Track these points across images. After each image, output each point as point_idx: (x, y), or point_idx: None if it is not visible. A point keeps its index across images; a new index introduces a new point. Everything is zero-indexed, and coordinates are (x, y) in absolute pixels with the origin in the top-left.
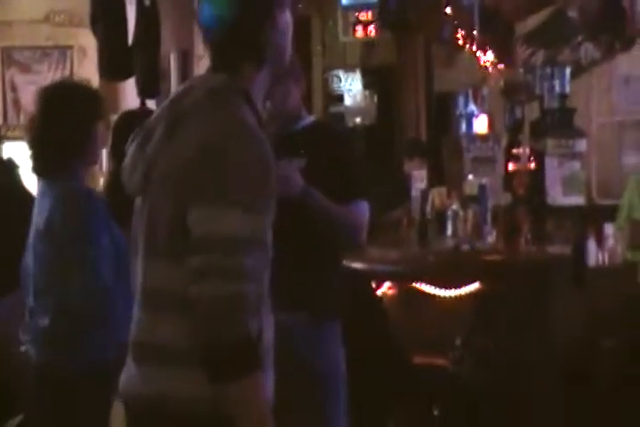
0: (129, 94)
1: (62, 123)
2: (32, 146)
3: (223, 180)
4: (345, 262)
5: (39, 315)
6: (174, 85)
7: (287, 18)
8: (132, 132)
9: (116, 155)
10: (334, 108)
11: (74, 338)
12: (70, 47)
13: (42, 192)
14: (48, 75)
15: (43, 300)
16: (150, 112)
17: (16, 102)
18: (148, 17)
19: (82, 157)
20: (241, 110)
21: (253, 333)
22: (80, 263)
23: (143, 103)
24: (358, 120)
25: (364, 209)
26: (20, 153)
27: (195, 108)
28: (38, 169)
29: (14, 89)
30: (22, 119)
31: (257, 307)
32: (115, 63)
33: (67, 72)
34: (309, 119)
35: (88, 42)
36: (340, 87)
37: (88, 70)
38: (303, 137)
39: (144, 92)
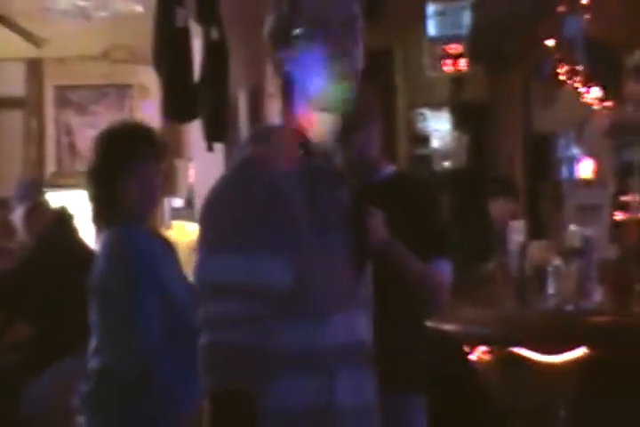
0: (194, 138)
1: (117, 169)
2: (88, 194)
3: (213, 224)
4: (433, 324)
5: (84, 380)
6: (244, 127)
7: None
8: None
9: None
10: (420, 151)
11: (112, 408)
12: (130, 86)
13: (97, 243)
14: (106, 116)
15: (90, 364)
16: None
17: (72, 147)
18: (215, 52)
19: (135, 205)
20: (264, 148)
21: (232, 386)
22: (118, 323)
23: (210, 147)
24: (446, 164)
25: (446, 268)
26: (76, 202)
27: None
28: (92, 217)
29: (69, 132)
30: (78, 165)
31: (252, 356)
32: (179, 103)
33: (126, 113)
34: (389, 169)
35: (149, 80)
36: (426, 127)
37: (149, 111)
38: (383, 189)
39: (211, 135)
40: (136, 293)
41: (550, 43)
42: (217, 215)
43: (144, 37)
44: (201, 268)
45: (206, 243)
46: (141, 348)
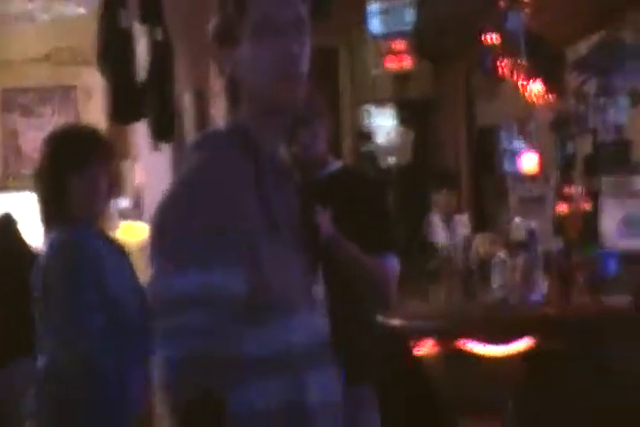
0: (140, 138)
1: (65, 171)
2: (36, 196)
3: (166, 235)
4: (380, 319)
5: (34, 382)
6: (190, 127)
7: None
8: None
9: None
10: (365, 148)
11: (59, 408)
12: (75, 88)
13: (44, 244)
14: (51, 118)
15: (38, 364)
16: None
17: (17, 149)
18: (160, 52)
19: (83, 206)
20: (213, 154)
21: (200, 394)
22: (60, 322)
23: (156, 147)
24: (392, 160)
25: (394, 263)
26: (23, 204)
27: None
28: (41, 219)
29: (15, 135)
30: (25, 168)
31: (215, 367)
32: (124, 104)
33: (71, 115)
34: (337, 164)
35: (94, 81)
36: (371, 124)
37: (94, 112)
38: (330, 185)
39: (157, 136)
40: (79, 293)
41: (492, 37)
42: (169, 227)
43: (88, 39)
44: (156, 280)
45: (160, 255)
46: (84, 347)
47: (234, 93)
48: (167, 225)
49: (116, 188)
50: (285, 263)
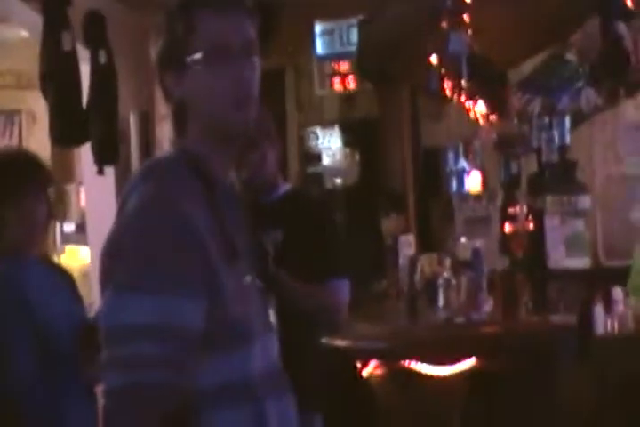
0: (85, 161)
1: None
2: None
3: (123, 265)
4: (325, 341)
5: None
6: (135, 150)
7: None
8: None
9: None
10: (312, 169)
11: None
12: (18, 112)
13: None
14: None
15: None
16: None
17: None
18: (103, 75)
19: (19, 236)
20: (164, 183)
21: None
22: None
23: (101, 171)
24: (338, 181)
25: (343, 287)
26: None
27: (129, 187)
28: None
29: None
30: None
31: (170, 397)
32: (68, 128)
33: (15, 140)
34: (286, 187)
35: (38, 105)
36: (317, 145)
37: (39, 137)
38: (280, 208)
39: (101, 159)
40: (6, 326)
41: (434, 59)
42: (125, 255)
43: (31, 62)
44: (110, 309)
45: (114, 283)
46: (14, 383)
47: (181, 118)
48: (123, 253)
49: (55, 213)
50: (245, 292)
